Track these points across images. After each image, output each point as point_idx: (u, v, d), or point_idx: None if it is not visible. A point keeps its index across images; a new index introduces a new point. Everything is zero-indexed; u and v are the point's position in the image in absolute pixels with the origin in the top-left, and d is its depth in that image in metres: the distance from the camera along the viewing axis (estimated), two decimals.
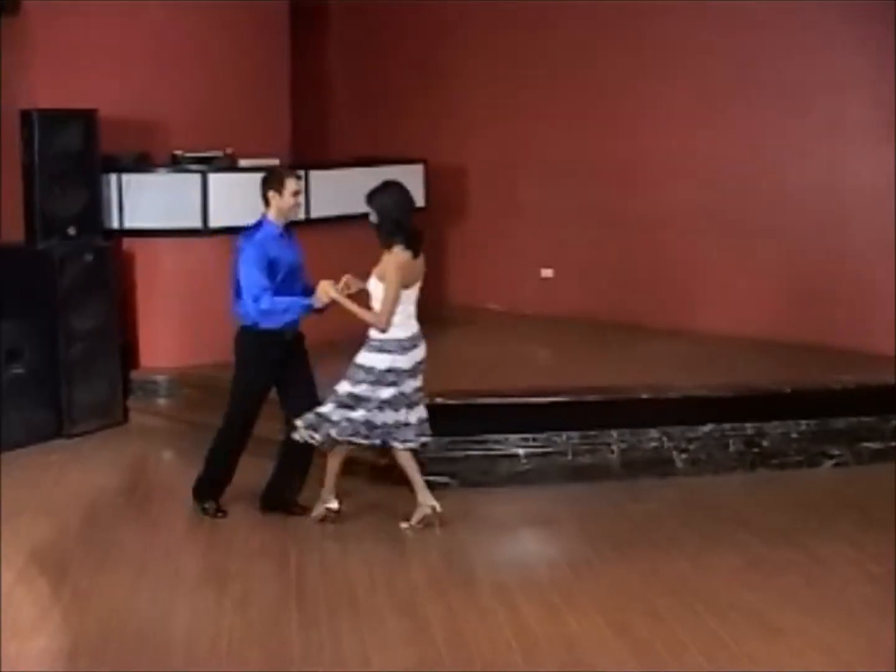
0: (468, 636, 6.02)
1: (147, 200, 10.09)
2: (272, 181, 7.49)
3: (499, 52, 12.35)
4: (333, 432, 7.31)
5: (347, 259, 11.16)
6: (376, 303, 7.26)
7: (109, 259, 9.81)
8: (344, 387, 7.36)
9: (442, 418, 8.39)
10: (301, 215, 10.61)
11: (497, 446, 8.44)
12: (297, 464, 7.74)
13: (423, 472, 8.24)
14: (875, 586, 6.63)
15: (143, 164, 10.25)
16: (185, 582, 6.79)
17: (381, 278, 7.19)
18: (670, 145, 11.24)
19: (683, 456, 8.65)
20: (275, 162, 11.00)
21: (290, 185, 7.45)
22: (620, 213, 11.53)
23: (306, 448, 7.49)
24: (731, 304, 10.98)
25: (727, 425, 8.75)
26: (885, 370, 9.58)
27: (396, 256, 7.22)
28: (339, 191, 11.10)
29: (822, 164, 10.60)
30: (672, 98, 11.30)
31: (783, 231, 10.74)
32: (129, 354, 10.18)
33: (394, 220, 7.25)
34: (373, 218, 7.31)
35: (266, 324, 7.44)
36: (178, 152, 10.37)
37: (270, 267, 7.38)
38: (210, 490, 7.82)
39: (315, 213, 10.80)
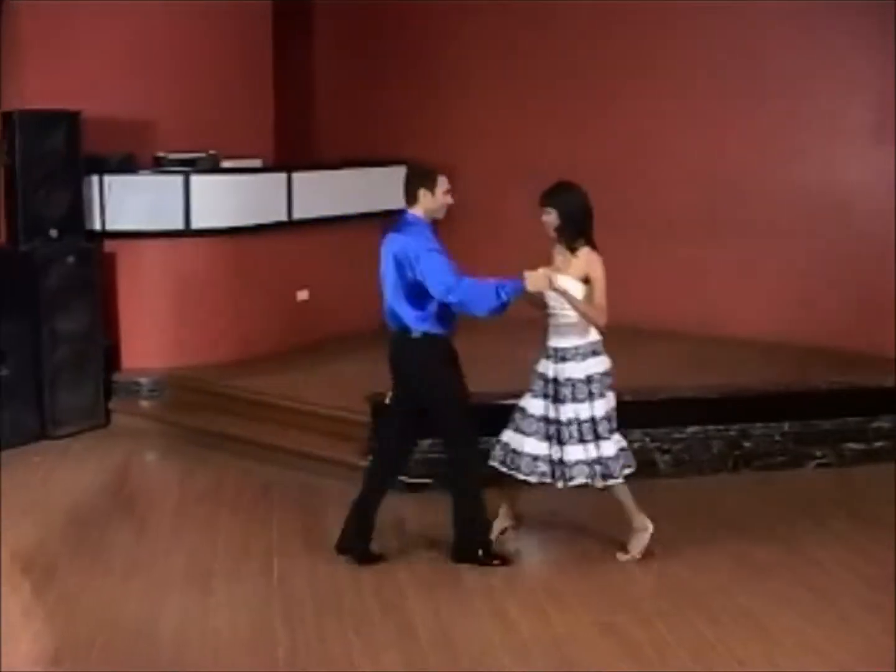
0: (455, 637, 6.03)
1: (130, 202, 10.07)
2: (425, 178, 6.99)
3: (490, 53, 12.30)
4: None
5: (331, 260, 11.26)
6: (563, 304, 6.89)
7: (93, 261, 9.79)
8: (603, 406, 6.91)
9: (426, 419, 8.41)
10: (284, 216, 10.71)
11: (480, 447, 8.40)
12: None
13: (408, 475, 8.26)
14: (868, 587, 6.64)
15: (126, 165, 10.21)
16: (172, 583, 6.76)
17: (578, 278, 6.86)
18: (666, 148, 11.23)
19: (666, 457, 8.65)
20: (257, 163, 11.02)
21: (443, 183, 6.98)
22: (611, 215, 11.48)
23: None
24: (723, 306, 10.99)
25: (711, 426, 8.75)
26: (875, 371, 9.62)
27: (593, 255, 6.92)
28: (324, 192, 11.11)
29: (821, 164, 10.63)
30: (668, 100, 11.29)
31: (778, 232, 10.76)
32: (112, 356, 10.15)
33: (578, 221, 6.99)
34: (552, 218, 7.01)
35: (437, 330, 6.88)
36: (161, 154, 10.35)
37: None
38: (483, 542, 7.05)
39: (298, 215, 10.80)
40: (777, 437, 8.84)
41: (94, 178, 10.01)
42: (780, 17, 10.64)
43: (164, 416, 9.89)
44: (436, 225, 7.07)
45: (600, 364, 6.88)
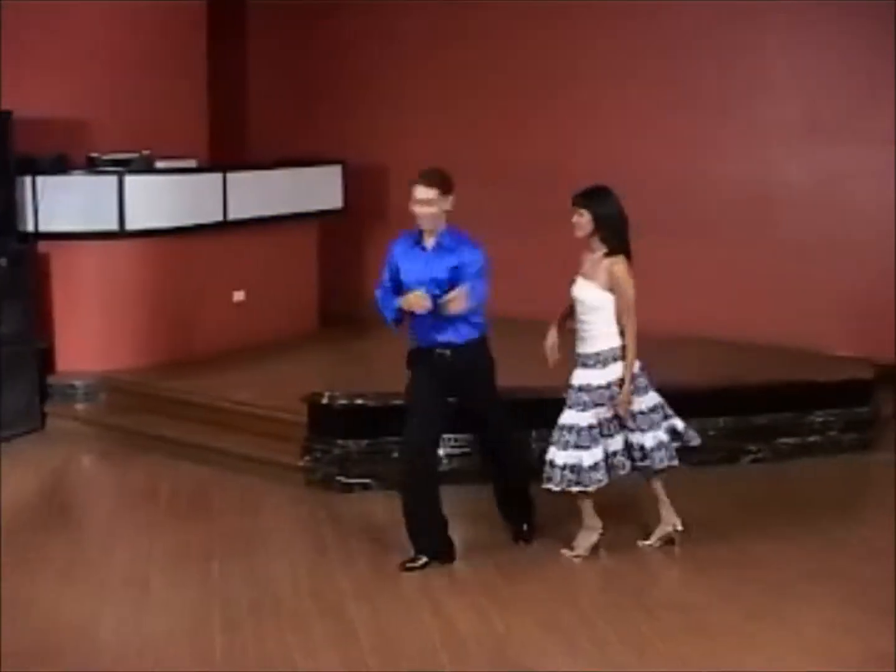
0: (394, 638, 6.03)
1: (63, 203, 9.95)
2: None
3: (429, 52, 12.31)
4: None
5: (267, 260, 11.22)
6: (594, 313, 6.91)
7: (26, 262, 9.69)
8: (653, 397, 7.18)
9: (363, 420, 8.42)
10: (219, 216, 10.65)
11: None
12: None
13: (344, 475, 8.26)
14: (807, 582, 6.70)
15: (59, 165, 10.11)
16: (109, 586, 6.72)
17: (604, 287, 6.83)
18: (606, 148, 11.29)
19: None
20: (192, 163, 10.96)
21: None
22: (554, 215, 11.52)
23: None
24: (656, 303, 11.04)
25: None
26: (808, 366, 9.75)
27: (618, 266, 6.83)
28: (259, 192, 11.07)
29: (752, 165, 10.76)
30: (609, 102, 11.37)
31: (716, 231, 10.88)
32: (46, 359, 10.05)
33: (617, 228, 6.89)
34: (584, 220, 6.87)
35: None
36: (95, 154, 10.25)
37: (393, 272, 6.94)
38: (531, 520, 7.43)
39: (233, 215, 10.75)
40: (712, 433, 8.89)
41: (27, 179, 9.89)
42: (707, 15, 10.76)
43: (100, 418, 9.81)
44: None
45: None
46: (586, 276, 6.91)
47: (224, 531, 7.55)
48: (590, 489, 6.89)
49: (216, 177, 10.74)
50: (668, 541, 7.19)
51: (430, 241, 6.85)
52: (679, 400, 8.94)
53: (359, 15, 12.73)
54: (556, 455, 6.88)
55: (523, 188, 11.76)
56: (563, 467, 6.84)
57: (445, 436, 8.19)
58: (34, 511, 8.04)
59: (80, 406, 10.02)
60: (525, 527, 7.33)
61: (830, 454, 9.06)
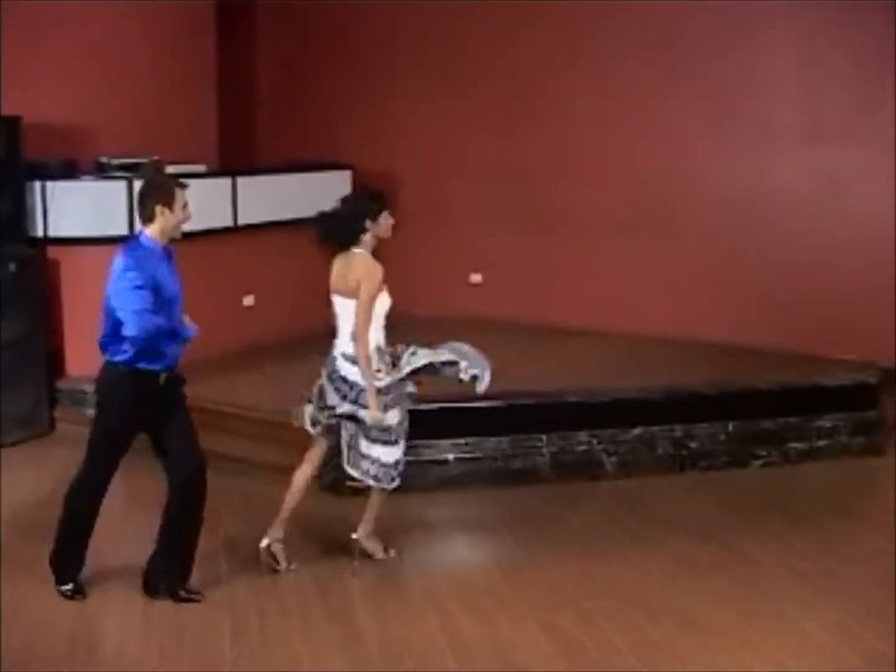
0: (400, 642, 6.04)
1: (72, 208, 9.98)
2: (160, 193, 6.39)
3: (430, 57, 12.35)
4: None
5: (277, 265, 11.23)
6: None
7: (34, 267, 9.72)
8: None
9: None
10: (229, 221, 10.66)
11: (427, 451, 8.43)
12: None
13: (351, 479, 8.26)
14: (805, 585, 6.72)
15: (68, 171, 10.13)
16: (114, 592, 6.72)
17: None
18: (593, 149, 11.34)
19: (613, 459, 8.69)
20: (201, 168, 10.97)
21: (181, 197, 6.41)
22: (550, 217, 11.59)
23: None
24: (661, 307, 11.06)
25: (656, 427, 8.80)
26: (816, 370, 9.73)
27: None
28: (269, 197, 11.09)
29: (748, 167, 10.75)
30: (602, 103, 11.39)
31: (712, 233, 10.89)
32: (55, 363, 10.08)
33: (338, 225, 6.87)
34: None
35: (143, 363, 6.41)
36: (104, 159, 10.27)
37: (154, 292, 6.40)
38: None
39: (242, 220, 10.76)
40: (721, 437, 8.92)
41: (36, 184, 9.91)
42: (705, 18, 10.77)
43: None
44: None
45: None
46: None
47: (230, 535, 7.55)
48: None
49: (226, 181, 10.76)
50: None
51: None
52: (689, 404, 9.04)
53: (370, 18, 12.74)
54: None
55: (526, 189, 11.77)
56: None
57: (454, 441, 8.24)
58: (41, 515, 8.03)
59: (89, 411, 9.99)
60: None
61: (838, 458, 9.07)
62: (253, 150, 13.42)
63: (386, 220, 6.82)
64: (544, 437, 8.57)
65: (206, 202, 10.46)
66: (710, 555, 7.16)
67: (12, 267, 9.45)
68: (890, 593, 6.48)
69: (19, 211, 9.72)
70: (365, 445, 6.76)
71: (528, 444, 8.55)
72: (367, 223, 6.72)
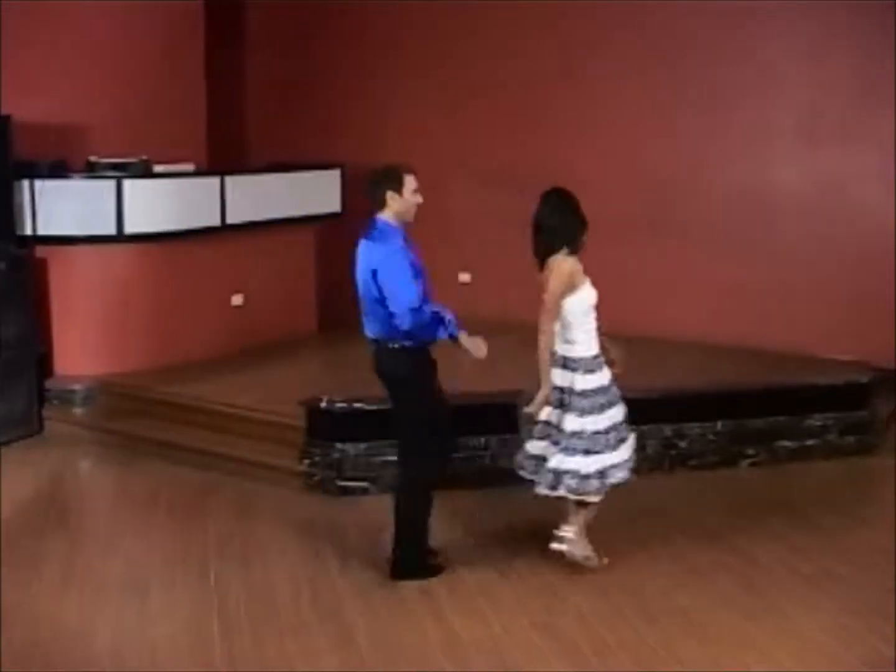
0: (393, 642, 6.04)
1: (62, 207, 9.94)
2: (390, 180, 6.67)
3: (426, 56, 12.32)
4: None
5: (265, 264, 11.22)
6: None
7: (24, 267, 9.70)
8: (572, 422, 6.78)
9: (361, 424, 8.41)
10: (217, 221, 10.64)
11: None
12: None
13: (342, 479, 8.26)
14: (805, 585, 6.71)
15: (57, 170, 10.10)
16: (108, 591, 6.72)
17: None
18: (601, 151, 11.31)
19: None
20: (190, 167, 10.95)
21: (410, 182, 6.67)
22: None
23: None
24: (650, 307, 11.06)
25: (644, 427, 8.77)
26: (806, 370, 9.76)
27: (552, 265, 6.82)
28: (257, 196, 11.07)
29: (750, 168, 10.77)
30: (607, 104, 11.38)
31: (712, 233, 10.88)
32: (44, 363, 10.06)
33: (555, 229, 6.89)
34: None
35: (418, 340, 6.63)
36: (94, 158, 10.24)
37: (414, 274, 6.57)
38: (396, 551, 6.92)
39: (231, 220, 10.74)
40: (711, 437, 8.92)
41: (25, 183, 9.88)
42: (708, 21, 10.78)
43: (99, 423, 9.80)
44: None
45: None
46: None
47: (222, 535, 7.55)
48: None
49: (214, 181, 10.73)
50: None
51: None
52: (678, 403, 9.04)
53: (357, 19, 12.73)
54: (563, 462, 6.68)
55: (521, 189, 11.73)
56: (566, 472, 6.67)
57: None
58: (32, 515, 8.03)
59: (78, 410, 10.01)
60: (393, 554, 6.91)
61: (828, 457, 9.07)
62: (242, 149, 13.39)
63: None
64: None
65: (194, 202, 10.50)
66: (708, 555, 7.15)
67: (2, 266, 9.44)
68: (890, 593, 6.49)
69: (8, 210, 9.69)
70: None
71: (516, 443, 8.47)
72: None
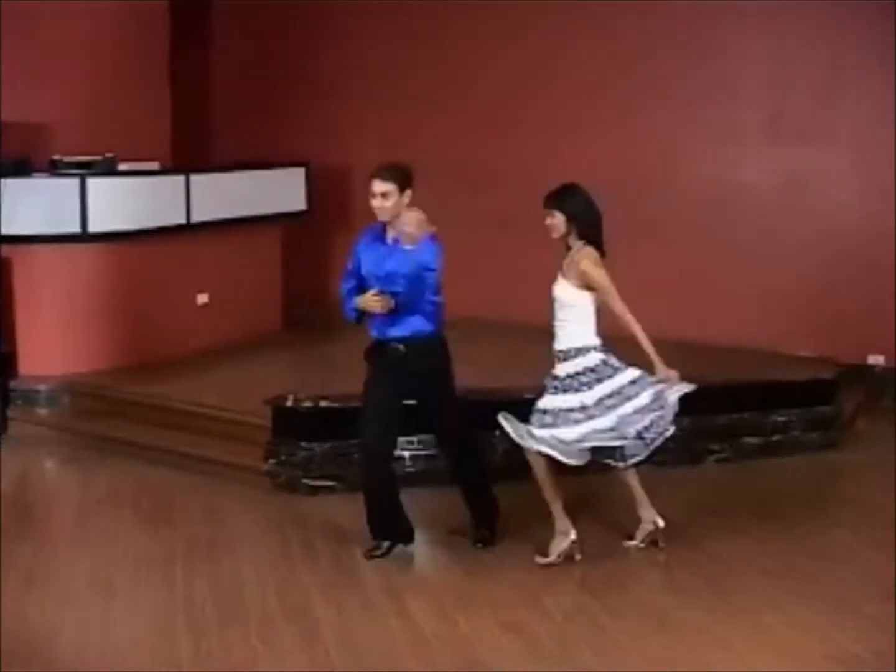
0: (359, 640, 6.02)
1: (25, 205, 9.89)
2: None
3: (394, 54, 12.34)
4: None
5: (231, 263, 11.19)
6: (567, 310, 7.16)
7: None
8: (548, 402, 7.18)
9: (327, 422, 8.40)
10: (182, 219, 10.61)
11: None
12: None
13: (308, 477, 8.24)
14: (773, 582, 6.72)
15: (21, 168, 10.04)
16: (73, 592, 6.68)
17: (577, 285, 7.01)
18: (566, 149, 11.31)
19: None
20: (154, 166, 10.92)
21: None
22: (509, 216, 11.54)
23: None
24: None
25: None
26: (772, 366, 9.81)
27: (587, 261, 6.99)
28: (222, 195, 11.04)
29: (715, 167, 10.82)
30: (581, 104, 11.41)
31: (679, 232, 10.93)
32: (8, 363, 9.99)
33: (591, 222, 7.11)
34: (557, 221, 7.01)
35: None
36: (57, 157, 10.19)
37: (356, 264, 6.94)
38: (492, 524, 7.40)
39: (196, 218, 10.70)
40: (677, 433, 8.90)
41: None
42: (673, 19, 10.82)
43: (64, 423, 9.76)
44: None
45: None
46: (564, 275, 6.93)
47: (188, 535, 7.52)
48: (566, 461, 6.80)
49: (179, 179, 10.70)
50: (653, 540, 7.19)
51: (390, 235, 6.85)
52: None
53: (323, 17, 12.72)
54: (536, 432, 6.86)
55: (493, 190, 11.76)
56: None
57: (409, 438, 8.20)
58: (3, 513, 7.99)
59: (42, 411, 9.96)
60: (486, 530, 7.29)
61: (794, 453, 9.12)
62: (207, 147, 13.36)
63: None
64: (498, 433, 8.44)
65: (159, 200, 10.47)
66: (670, 549, 7.15)
67: None
68: (859, 591, 6.52)
69: None
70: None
71: (483, 441, 8.45)
72: None
